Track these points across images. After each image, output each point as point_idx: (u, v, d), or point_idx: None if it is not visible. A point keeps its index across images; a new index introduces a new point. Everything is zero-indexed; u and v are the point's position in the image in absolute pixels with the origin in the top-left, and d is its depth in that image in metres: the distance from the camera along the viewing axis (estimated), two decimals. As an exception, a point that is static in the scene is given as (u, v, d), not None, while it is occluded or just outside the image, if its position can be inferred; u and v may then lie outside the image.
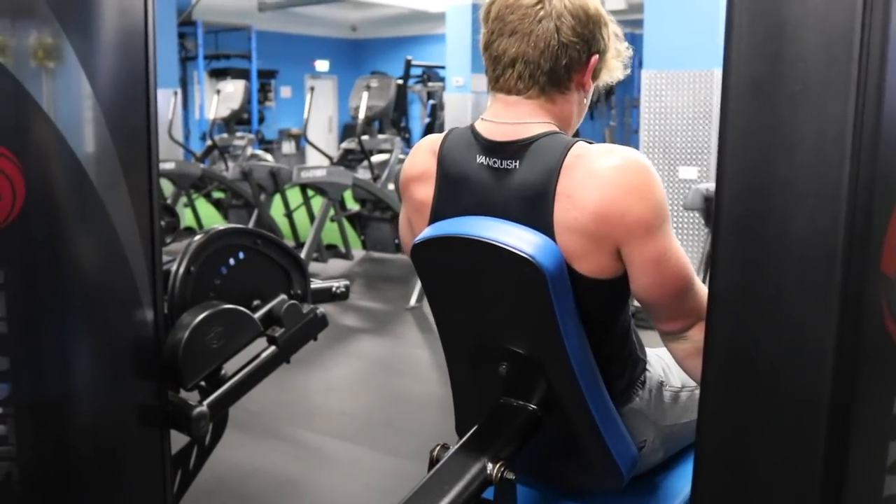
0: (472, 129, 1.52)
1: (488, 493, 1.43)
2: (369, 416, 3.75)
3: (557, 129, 1.47)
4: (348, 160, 7.30)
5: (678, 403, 1.68)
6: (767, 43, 0.91)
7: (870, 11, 0.85)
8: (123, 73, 1.82)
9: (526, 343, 1.47)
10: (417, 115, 15.91)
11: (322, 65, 18.27)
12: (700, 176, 5.08)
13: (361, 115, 6.67)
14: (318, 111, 15.23)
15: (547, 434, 1.52)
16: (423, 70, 14.59)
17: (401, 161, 7.06)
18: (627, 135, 14.52)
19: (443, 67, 13.59)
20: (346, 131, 15.54)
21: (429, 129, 12.98)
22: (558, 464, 1.59)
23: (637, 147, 3.65)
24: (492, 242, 1.39)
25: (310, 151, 15.40)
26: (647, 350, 1.66)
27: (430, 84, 14.47)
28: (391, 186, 6.81)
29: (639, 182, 1.38)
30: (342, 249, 6.93)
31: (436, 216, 1.54)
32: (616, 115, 14.48)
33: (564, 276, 1.39)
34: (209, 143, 7.83)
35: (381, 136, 7.18)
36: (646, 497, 1.64)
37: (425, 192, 1.56)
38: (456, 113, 12.58)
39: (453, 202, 1.51)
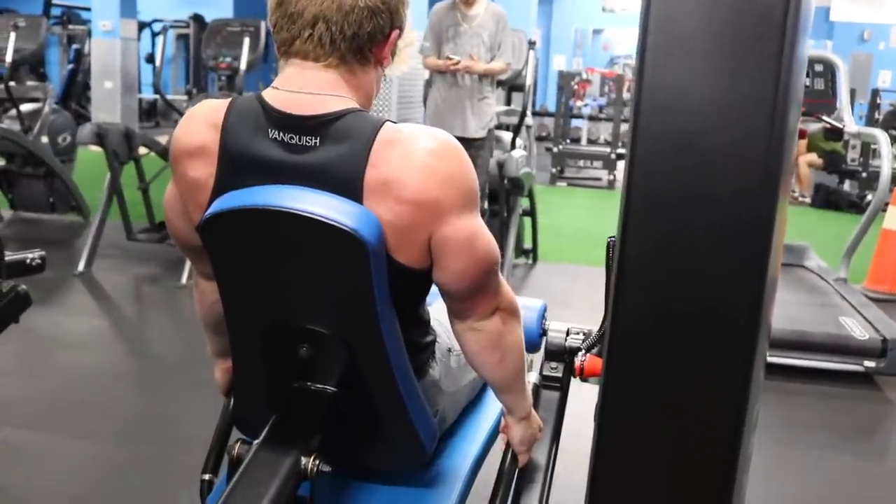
0: (259, 99, 1.35)
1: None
2: (56, 399, 3.34)
3: (359, 107, 1.35)
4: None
5: (460, 366, 1.67)
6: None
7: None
8: None
9: (333, 322, 1.35)
10: (56, 60, 14.55)
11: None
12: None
13: (8, 58, 5.91)
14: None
15: (346, 417, 1.43)
16: (63, 11, 13.32)
17: (55, 111, 6.42)
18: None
19: (87, 9, 12.51)
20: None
21: (72, 76, 11.90)
22: (357, 446, 1.49)
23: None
24: (306, 215, 1.25)
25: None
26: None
27: (70, 27, 13.28)
28: (45, 139, 6.16)
29: (455, 167, 1.33)
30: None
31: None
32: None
33: (384, 251, 1.29)
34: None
35: (30, 84, 6.43)
36: (440, 465, 1.60)
37: (203, 170, 1.37)
38: (104, 60, 11.67)
39: (239, 183, 1.34)
